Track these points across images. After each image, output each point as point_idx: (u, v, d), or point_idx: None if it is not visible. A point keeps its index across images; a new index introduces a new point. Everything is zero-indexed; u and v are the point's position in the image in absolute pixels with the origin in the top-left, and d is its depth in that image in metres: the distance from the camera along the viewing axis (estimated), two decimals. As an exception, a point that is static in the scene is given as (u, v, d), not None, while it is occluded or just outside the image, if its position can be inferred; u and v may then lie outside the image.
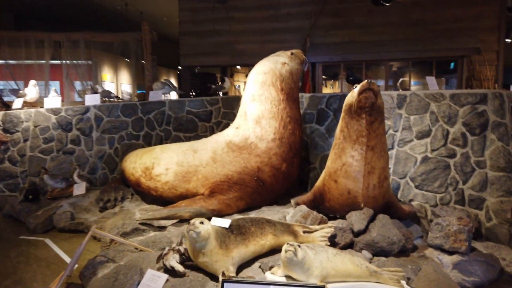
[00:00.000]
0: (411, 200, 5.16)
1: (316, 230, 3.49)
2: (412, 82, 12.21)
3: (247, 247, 3.27)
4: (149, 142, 7.18)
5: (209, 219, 4.61)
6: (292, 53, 5.33)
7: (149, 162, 5.30)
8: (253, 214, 4.73)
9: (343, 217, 4.01)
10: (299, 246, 2.71)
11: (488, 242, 4.28)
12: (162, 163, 5.15)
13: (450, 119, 4.98)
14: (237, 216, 4.65)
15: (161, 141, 7.20)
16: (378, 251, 3.62)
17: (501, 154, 4.62)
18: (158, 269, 3.35)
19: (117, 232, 4.50)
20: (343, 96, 5.95)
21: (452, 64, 11.35)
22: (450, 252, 3.89)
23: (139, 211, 5.42)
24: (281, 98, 5.00)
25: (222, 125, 7.20)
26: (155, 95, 7.33)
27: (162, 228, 4.65)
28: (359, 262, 2.99)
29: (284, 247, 2.73)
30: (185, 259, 3.25)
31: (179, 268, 3.08)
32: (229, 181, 4.74)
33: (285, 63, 5.18)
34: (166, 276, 3.11)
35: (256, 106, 5.00)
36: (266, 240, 3.37)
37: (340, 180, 3.82)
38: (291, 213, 4.59)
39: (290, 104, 5.08)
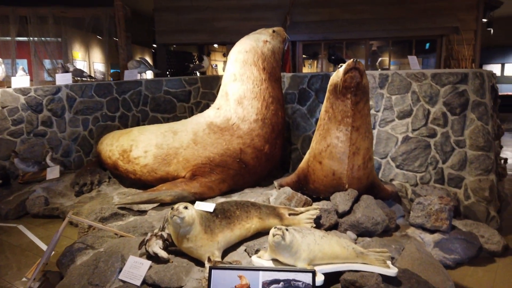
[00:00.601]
0: (392, 180, 5.20)
1: (301, 212, 3.45)
2: (390, 62, 12.27)
3: (233, 231, 3.20)
4: (125, 123, 6.94)
5: (192, 202, 4.53)
6: (274, 31, 5.18)
7: (126, 145, 5.11)
8: (236, 197, 4.66)
9: (327, 198, 3.99)
10: (286, 229, 2.66)
11: (467, 220, 4.38)
12: (141, 146, 4.98)
13: (431, 99, 4.99)
14: (220, 199, 4.57)
15: (138, 122, 6.97)
16: (362, 232, 3.62)
17: (480, 134, 4.69)
18: (141, 256, 3.25)
19: (95, 217, 4.35)
20: (325, 75, 5.89)
21: (427, 45, 11.44)
22: (432, 231, 3.94)
23: (117, 195, 5.26)
24: (263, 77, 4.88)
25: (202, 105, 7.03)
26: (130, 74, 7.05)
27: (142, 213, 4.52)
28: (345, 244, 2.97)
29: (272, 231, 2.67)
30: (168, 245, 3.16)
31: (163, 254, 2.98)
32: (211, 164, 4.63)
33: (267, 41, 5.03)
34: (149, 262, 3.01)
35: (238, 86, 4.86)
36: (252, 224, 3.31)
37: (324, 162, 3.77)
38: (275, 195, 4.54)
39: (272, 84, 4.96)
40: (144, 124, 6.96)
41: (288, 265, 2.81)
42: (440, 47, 7.90)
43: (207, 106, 6.94)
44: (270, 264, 2.88)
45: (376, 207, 3.73)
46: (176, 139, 4.85)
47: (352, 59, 3.59)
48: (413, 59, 5.53)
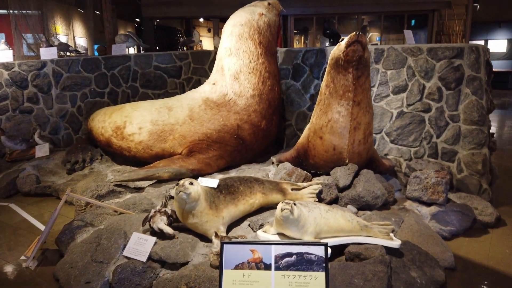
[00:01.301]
0: (386, 155, 5.26)
1: (304, 187, 3.46)
2: (376, 38, 12.20)
3: (237, 206, 3.19)
4: (115, 99, 6.77)
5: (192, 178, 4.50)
6: (269, 3, 5.05)
7: (120, 121, 5.00)
8: (233, 173, 4.65)
9: (327, 173, 4.01)
10: (294, 204, 2.66)
11: (461, 193, 4.48)
12: (135, 122, 4.87)
13: (427, 74, 5.01)
14: (217, 176, 4.55)
15: (128, 98, 6.81)
16: (363, 205, 3.67)
17: (474, 108, 4.75)
18: (144, 232, 3.23)
19: (91, 195, 4.28)
20: (320, 51, 5.82)
21: (413, 21, 11.41)
22: (428, 204, 4.03)
23: (111, 172, 5.18)
24: (259, 52, 4.79)
25: (193, 81, 6.90)
26: (118, 49, 6.83)
27: (139, 190, 4.47)
28: (350, 217, 3.01)
29: (280, 206, 2.67)
30: (172, 221, 3.14)
31: (168, 230, 2.97)
32: (208, 140, 4.58)
33: (262, 14, 4.91)
34: (154, 238, 2.99)
35: (234, 60, 4.76)
36: (255, 199, 3.31)
37: (325, 137, 3.77)
38: (273, 170, 4.54)
39: (268, 58, 4.88)
40: (134, 101, 6.82)
41: (295, 239, 2.84)
42: (432, 21, 7.89)
43: (198, 82, 6.83)
44: (276, 238, 2.90)
45: (375, 181, 3.78)
46: (172, 115, 4.76)
47: (354, 32, 3.54)
48: (408, 34, 5.51)
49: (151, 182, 4.51)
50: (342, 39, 3.68)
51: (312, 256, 2.19)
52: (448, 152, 4.98)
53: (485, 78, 4.81)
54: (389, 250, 3.00)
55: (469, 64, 4.79)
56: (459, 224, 3.93)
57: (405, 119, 5.16)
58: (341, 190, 3.77)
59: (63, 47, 7.15)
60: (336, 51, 3.67)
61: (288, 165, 4.03)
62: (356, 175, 3.86)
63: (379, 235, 3.00)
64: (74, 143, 6.37)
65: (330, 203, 3.73)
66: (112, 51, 6.78)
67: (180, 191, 2.79)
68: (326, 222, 2.88)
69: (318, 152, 3.87)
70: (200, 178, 3.27)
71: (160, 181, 4.46)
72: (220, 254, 2.25)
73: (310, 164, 4.07)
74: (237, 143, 4.66)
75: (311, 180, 3.96)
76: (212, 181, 3.18)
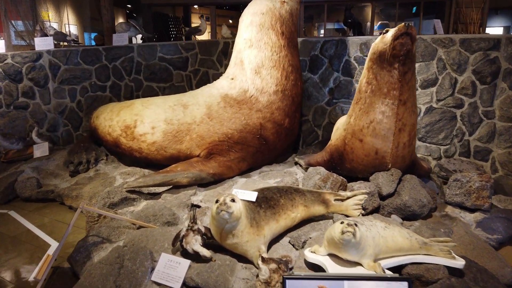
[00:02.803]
0: (414, 153, 4.95)
1: (347, 198, 3.13)
2: (375, 27, 11.78)
3: (278, 222, 2.85)
4: (117, 93, 6.32)
5: (209, 184, 4.14)
6: (290, -10, 4.63)
7: (129, 120, 4.58)
8: (256, 177, 4.29)
9: (365, 179, 3.68)
10: (356, 225, 2.33)
11: (500, 195, 4.20)
12: (147, 121, 4.46)
13: (460, 67, 4.68)
14: (239, 180, 4.19)
15: (131, 92, 6.36)
16: (408, 215, 3.36)
17: (512, 104, 4.45)
18: (173, 252, 2.87)
19: (103, 204, 3.89)
20: (341, 41, 5.44)
21: (414, 9, 11.01)
22: (472, 210, 3.74)
23: (119, 175, 4.78)
24: (282, 43, 4.39)
25: (200, 73, 6.47)
26: (120, 39, 6.34)
27: (154, 196, 4.10)
28: (408, 235, 2.69)
29: (341, 228, 2.33)
30: (206, 240, 2.77)
31: (205, 253, 2.61)
32: (229, 141, 4.20)
33: (284, 1, 4.50)
34: (188, 262, 2.64)
35: (255, 53, 4.36)
36: (297, 213, 2.97)
37: (366, 139, 3.42)
38: (300, 174, 4.20)
39: (291, 50, 4.49)
40: (138, 94, 6.37)
41: (350, 261, 2.52)
42: (449, 9, 7.53)
43: (206, 74, 6.41)
44: (327, 260, 2.57)
45: (420, 188, 3.46)
46: (187, 113, 4.36)
47: (403, 23, 3.17)
48: (438, 23, 5.15)
49: (167, 187, 4.14)
50: (387, 30, 3.31)
51: (392, 293, 1.87)
52: (481, 151, 4.69)
53: (523, 71, 4.50)
54: (449, 269, 2.69)
55: (506, 56, 4.47)
56: (505, 231, 3.64)
57: (434, 115, 4.85)
58: (384, 198, 3.45)
59: (59, 36, 6.61)
60: (379, 44, 3.30)
61: (322, 169, 3.68)
62: (399, 181, 3.54)
63: (440, 254, 2.69)
64: (76, 141, 5.92)
65: (371, 213, 3.41)
66: (113, 41, 6.28)
67: (221, 210, 2.43)
68: (384, 242, 2.56)
69: (357, 156, 3.54)
70: (234, 190, 2.90)
71: (177, 187, 4.09)
72: (282, 291, 1.91)
73: (346, 169, 3.73)
74: (259, 144, 4.29)
75: (346, 186, 3.63)
76: (250, 194, 2.82)
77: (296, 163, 4.57)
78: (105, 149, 5.34)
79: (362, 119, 3.43)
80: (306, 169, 4.11)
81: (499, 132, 4.55)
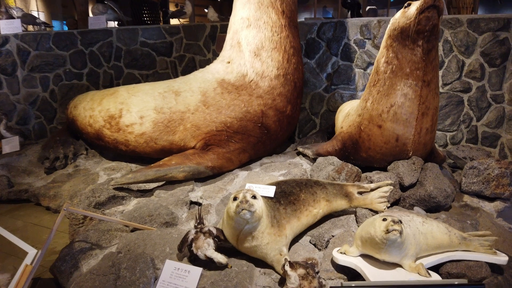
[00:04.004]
0: (419, 140, 4.71)
1: (371, 190, 2.81)
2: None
3: (299, 219, 2.50)
4: (95, 82, 5.77)
5: (206, 177, 3.74)
6: (289, -35, 4.24)
7: (114, 109, 4.10)
8: (257, 169, 3.92)
9: (382, 169, 3.38)
10: (400, 222, 2.01)
11: None
12: (134, 110, 4.00)
13: (467, 49, 4.44)
14: (240, 173, 3.81)
15: (111, 80, 5.84)
16: (432, 207, 3.08)
17: (523, 87, 4.25)
18: (179, 259, 2.47)
19: (88, 204, 3.43)
20: (339, 23, 5.10)
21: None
22: (491, 199, 3.51)
23: (103, 171, 4.30)
24: (282, 23, 4.01)
25: (186, 60, 6.01)
26: (96, 22, 5.78)
27: (145, 193, 3.67)
28: (446, 230, 2.40)
29: (385, 225, 2.01)
30: (218, 242, 2.39)
31: (222, 259, 2.23)
32: (228, 130, 3.80)
33: (283, -23, 4.10)
34: (199, 269, 2.25)
35: (253, 33, 3.96)
36: (319, 208, 2.62)
37: (386, 125, 3.11)
38: (307, 165, 3.86)
39: (292, 31, 4.12)
40: (119, 83, 5.85)
41: (387, 263, 2.20)
42: (443, -7, 7.31)
43: (192, 61, 5.96)
44: (361, 262, 2.25)
45: (443, 177, 3.20)
46: (180, 101, 3.93)
47: (430, -5, 2.85)
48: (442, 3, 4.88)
49: (159, 183, 3.71)
50: (408, 4, 2.99)
51: (464, 304, 1.55)
52: (489, 137, 4.50)
53: (534, 53, 4.30)
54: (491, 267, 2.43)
55: (516, 37, 4.26)
56: (525, 220, 3.45)
57: (440, 100, 4.60)
58: (405, 189, 3.16)
59: (28, 19, 5.97)
60: (401, 19, 2.97)
61: (335, 159, 3.35)
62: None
63: (481, 249, 2.42)
64: (51, 135, 5.35)
65: (391, 205, 3.11)
66: (89, 24, 5.71)
67: (243, 209, 2.05)
68: (424, 239, 2.26)
69: (375, 143, 3.22)
70: (247, 185, 2.53)
71: (171, 182, 3.67)
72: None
73: (362, 158, 3.42)
74: (261, 133, 3.92)
75: (360, 177, 3.32)
76: (267, 189, 2.45)
77: (298, 154, 4.23)
78: (84, 143, 4.83)
79: (381, 102, 3.11)
80: (313, 159, 3.77)
81: (508, 116, 4.36)
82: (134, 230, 2.96)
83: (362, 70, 4.98)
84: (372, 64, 4.91)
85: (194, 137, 3.85)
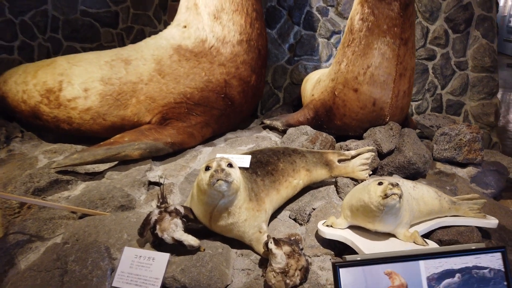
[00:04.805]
0: (385, 111, 4.59)
1: (352, 157, 2.57)
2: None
3: (279, 192, 2.20)
4: (29, 57, 5.07)
5: (165, 155, 3.34)
6: None
7: (52, 81, 3.54)
8: (222, 144, 3.58)
9: (356, 137, 3.17)
10: (398, 184, 1.77)
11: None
12: (77, 82, 3.47)
13: (432, 14, 4.33)
14: (203, 149, 3.44)
15: (47, 54, 5.17)
16: (412, 174, 2.92)
17: (486, 52, 4.23)
18: (140, 245, 2.10)
19: (25, 190, 2.92)
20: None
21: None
22: (463, 165, 3.44)
23: (42, 154, 3.74)
24: (243, -17, 3.64)
25: (135, 32, 5.48)
26: (27, -12, 5.04)
27: (95, 176, 3.20)
28: (436, 194, 2.23)
29: (382, 190, 1.76)
30: (186, 223, 2.04)
31: (193, 241, 1.88)
32: (188, 102, 3.41)
33: None
34: (166, 255, 1.89)
35: (212, -6, 3.56)
36: (299, 179, 2.34)
37: (363, 89, 2.88)
38: (275, 138, 3.57)
39: (254, -7, 3.76)
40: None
41: (379, 234, 1.98)
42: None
43: (142, 33, 5.44)
44: (351, 235, 2.01)
45: (420, 143, 3.04)
46: (131, 70, 3.46)
47: None
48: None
49: (111, 164, 3.26)
50: (384, -45, 2.75)
51: (485, 271, 1.34)
52: (453, 105, 4.46)
53: (496, 18, 4.28)
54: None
55: (479, 2, 4.21)
56: (496, 185, 3.42)
57: (405, 69, 4.49)
58: (383, 156, 2.97)
59: None
60: (377, -30, 2.73)
61: (308, 128, 3.09)
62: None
63: (470, 214, 2.28)
64: (-23, 117, 4.63)
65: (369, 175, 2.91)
66: (18, -11, 4.97)
67: (218, 179, 1.70)
68: (417, 205, 2.07)
69: (351, 109, 2.99)
70: (217, 155, 2.18)
71: (125, 162, 3.23)
72: (335, 282, 1.29)
73: (336, 126, 3.18)
74: (225, 105, 3.57)
75: (334, 147, 3.09)
76: (241, 159, 2.12)
77: (265, 127, 3.93)
78: (18, 124, 4.20)
79: (356, 64, 2.87)
80: (283, 131, 3.49)
81: (472, 83, 4.34)
82: (83, 216, 2.53)
83: (325, 40, 4.75)
84: (336, 33, 4.70)
85: (149, 110, 3.42)
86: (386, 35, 2.75)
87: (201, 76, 3.43)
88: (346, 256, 1.38)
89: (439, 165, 3.48)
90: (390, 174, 2.93)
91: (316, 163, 2.43)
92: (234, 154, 2.22)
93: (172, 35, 3.62)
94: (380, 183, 1.79)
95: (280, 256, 1.76)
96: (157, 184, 2.98)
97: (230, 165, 1.80)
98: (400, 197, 1.72)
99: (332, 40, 4.72)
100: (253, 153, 2.26)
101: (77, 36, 5.19)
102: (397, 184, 1.75)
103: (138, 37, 5.41)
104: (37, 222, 2.52)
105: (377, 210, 1.78)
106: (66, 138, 3.92)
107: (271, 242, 1.79)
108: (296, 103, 4.56)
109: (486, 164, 3.52)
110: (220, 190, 1.74)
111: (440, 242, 2.19)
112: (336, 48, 4.74)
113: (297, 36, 4.84)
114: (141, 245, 2.11)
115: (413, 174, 2.91)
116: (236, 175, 1.79)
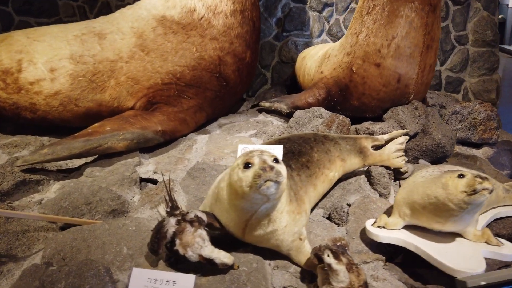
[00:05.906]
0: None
1: (386, 142, 2.23)
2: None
3: (316, 188, 1.83)
4: (-26, 33, 4.30)
5: (155, 146, 2.85)
6: None
7: (8, 60, 2.92)
8: (217, 131, 3.14)
9: (374, 118, 2.84)
10: (487, 178, 1.45)
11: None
12: (40, 60, 2.87)
13: (431, -14, 4.05)
14: (197, 137, 2.99)
15: (-4, 31, 4.42)
16: (438, 158, 2.64)
17: (488, 25, 4.03)
18: (150, 263, 1.66)
19: (-17, 196, 2.36)
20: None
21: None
22: (478, 145, 3.23)
23: (1, 149, 3.13)
24: None
25: (99, 5, 4.83)
26: (-34, -49, 4.23)
27: (70, 173, 2.67)
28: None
29: (469, 182, 1.43)
30: (209, 233, 1.62)
31: (226, 259, 1.47)
32: (178, 83, 2.92)
33: None
34: (192, 277, 1.47)
35: (199, -45, 3.05)
36: (335, 171, 1.97)
37: (386, 63, 2.53)
38: (277, 122, 3.18)
39: (246, -44, 3.28)
40: (8, 34, 4.45)
41: (440, 233, 1.66)
42: None
43: (107, 6, 4.80)
44: (412, 238, 1.68)
45: (444, 123, 2.76)
46: (107, 46, 2.91)
47: None
48: None
49: (87, 159, 2.74)
50: None
51: None
52: (453, 82, 4.26)
53: (497, -11, 4.08)
54: None
55: (480, -29, 3.97)
56: (511, 165, 3.25)
57: (403, 44, 4.21)
58: (408, 139, 2.66)
59: None
60: None
61: (323, 110, 2.71)
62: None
63: (523, 202, 2.01)
64: None
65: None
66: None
67: (267, 180, 1.29)
68: (483, 197, 1.76)
69: (372, 87, 2.64)
70: (240, 146, 1.76)
71: (107, 155, 2.71)
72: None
73: (352, 107, 2.82)
74: (219, 86, 3.12)
75: (349, 129, 2.74)
76: (270, 149, 1.71)
77: (261, 111, 3.52)
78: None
79: (379, 35, 2.51)
80: (288, 114, 3.10)
81: (472, 59, 4.14)
82: (66, 227, 2.03)
83: (317, 13, 4.36)
84: (329, 5, 4.32)
85: (132, 94, 2.90)
86: (414, 0, 2.40)
87: (191, 52, 2.94)
88: (468, 276, 1.04)
89: (455, 147, 3.25)
90: (416, 159, 2.64)
91: (350, 151, 2.07)
92: (259, 145, 1.80)
93: (153, 4, 3.09)
94: (461, 176, 1.46)
95: (343, 273, 1.40)
96: (151, 181, 2.51)
97: (276, 160, 1.39)
98: (491, 192, 1.40)
99: (324, 14, 4.35)
100: (280, 142, 1.86)
101: (31, 9, 4.48)
102: (486, 177, 1.43)
103: (103, 10, 4.77)
104: (5, 237, 1.99)
105: (457, 208, 1.45)
106: (28, 129, 3.31)
107: (328, 255, 1.41)
108: (289, 83, 4.17)
109: (501, 143, 3.33)
110: (268, 193, 1.33)
111: (499, 237, 1.91)
112: (328, 22, 4.37)
113: (286, 9, 4.42)
114: (151, 263, 1.67)
115: (440, 158, 2.64)
116: (285, 173, 1.39)
